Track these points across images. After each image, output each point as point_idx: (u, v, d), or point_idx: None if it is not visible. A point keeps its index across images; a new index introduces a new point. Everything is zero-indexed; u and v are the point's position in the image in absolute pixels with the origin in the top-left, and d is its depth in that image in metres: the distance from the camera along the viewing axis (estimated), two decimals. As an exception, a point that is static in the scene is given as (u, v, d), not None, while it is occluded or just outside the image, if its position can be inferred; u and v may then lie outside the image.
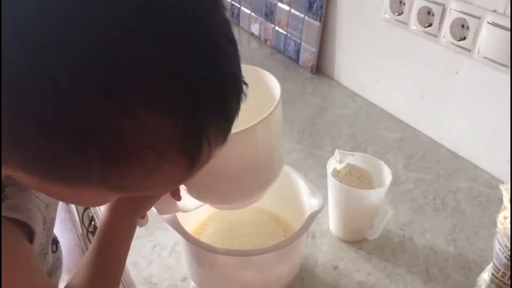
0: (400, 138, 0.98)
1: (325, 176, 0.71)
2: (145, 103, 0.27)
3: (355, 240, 0.74)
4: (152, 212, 0.59)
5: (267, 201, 0.72)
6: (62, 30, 0.26)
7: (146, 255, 0.71)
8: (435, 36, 0.88)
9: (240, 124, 0.55)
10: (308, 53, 1.20)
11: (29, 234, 0.43)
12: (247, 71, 0.57)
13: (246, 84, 0.34)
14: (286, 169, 0.67)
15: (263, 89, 0.57)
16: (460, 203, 0.81)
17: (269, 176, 0.57)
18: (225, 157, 0.50)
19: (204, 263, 0.61)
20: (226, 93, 0.31)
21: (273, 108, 0.50)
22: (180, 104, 0.29)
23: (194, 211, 0.68)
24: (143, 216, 0.58)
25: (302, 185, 0.64)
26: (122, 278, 0.85)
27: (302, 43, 1.21)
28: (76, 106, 0.26)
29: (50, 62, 0.25)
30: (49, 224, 0.49)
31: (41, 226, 0.45)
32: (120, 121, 0.27)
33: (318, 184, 0.79)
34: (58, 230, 0.51)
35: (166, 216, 0.59)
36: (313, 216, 0.58)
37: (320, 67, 1.21)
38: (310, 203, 0.60)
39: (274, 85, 0.55)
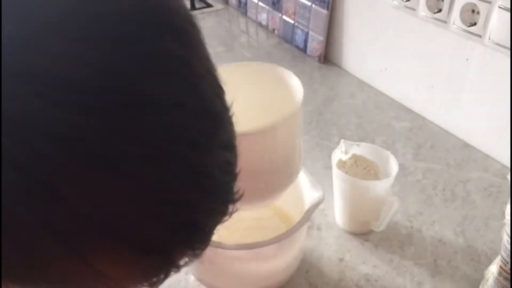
0: (409, 127, 0.96)
1: (331, 167, 0.70)
2: (105, 254, 0.24)
3: (361, 232, 0.72)
4: None
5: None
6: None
7: (150, 247, 0.71)
8: (445, 22, 0.86)
9: (260, 121, 0.54)
10: (315, 42, 1.18)
11: None
12: (270, 69, 0.57)
13: (237, 199, 0.30)
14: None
15: (285, 88, 0.56)
16: (470, 193, 0.79)
17: (287, 178, 0.57)
18: (242, 156, 0.50)
19: (203, 257, 0.60)
20: (206, 228, 0.28)
21: (295, 108, 0.50)
22: (147, 254, 0.25)
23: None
24: None
25: (302, 178, 0.63)
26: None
27: (310, 32, 1.19)
28: (24, 242, 0.23)
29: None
30: None
31: None
32: (74, 267, 0.24)
33: (325, 175, 0.78)
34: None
35: None
36: (312, 209, 0.57)
37: (328, 56, 1.19)
38: (311, 195, 0.59)
39: (297, 85, 0.54)
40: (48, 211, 0.22)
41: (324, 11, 1.12)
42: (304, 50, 1.23)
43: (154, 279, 0.28)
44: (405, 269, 0.67)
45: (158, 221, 0.25)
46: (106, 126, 0.22)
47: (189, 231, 0.26)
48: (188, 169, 0.25)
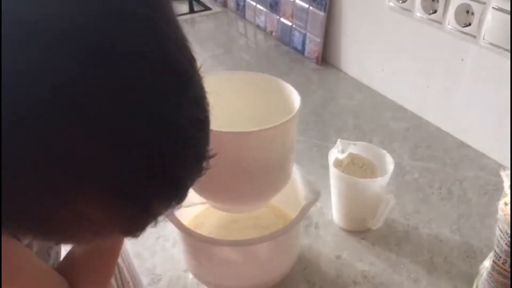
0: (406, 127, 0.97)
1: (329, 167, 0.71)
2: (88, 199, 0.26)
3: (359, 230, 0.73)
4: None
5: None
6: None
7: (149, 246, 0.71)
8: (440, 23, 0.87)
9: (259, 126, 0.56)
10: (313, 43, 1.19)
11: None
12: (267, 81, 0.58)
13: (210, 156, 0.32)
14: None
15: (282, 100, 0.58)
16: (466, 192, 0.80)
17: (281, 180, 0.58)
18: (240, 154, 0.52)
19: (200, 255, 0.61)
20: (183, 180, 0.30)
21: (293, 114, 0.52)
22: (128, 200, 0.27)
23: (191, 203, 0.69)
24: None
25: (298, 176, 0.63)
26: (125, 266, 0.86)
27: (307, 33, 1.20)
28: (8, 187, 0.25)
29: None
30: None
31: None
32: (59, 212, 0.26)
33: (323, 174, 0.79)
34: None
35: None
36: (308, 206, 0.58)
37: (326, 58, 1.20)
38: (307, 193, 0.60)
39: (294, 96, 0.57)
40: (33, 154, 0.24)
41: (321, 13, 1.13)
42: (302, 52, 1.24)
43: (135, 228, 0.30)
44: (402, 266, 0.68)
45: (133, 168, 0.26)
46: (73, 71, 0.24)
47: (165, 182, 0.28)
48: (157, 119, 0.27)
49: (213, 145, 0.52)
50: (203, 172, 0.32)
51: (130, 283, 0.98)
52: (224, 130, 0.50)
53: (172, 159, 0.28)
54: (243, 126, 0.62)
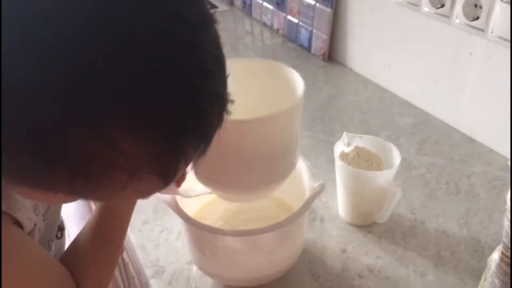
0: (413, 123, 0.96)
1: (334, 160, 0.70)
2: (121, 128, 0.27)
3: (364, 224, 0.72)
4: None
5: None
6: (38, 55, 0.25)
7: (153, 239, 0.71)
8: (448, 17, 0.86)
9: (263, 113, 0.55)
10: (320, 40, 1.19)
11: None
12: (272, 66, 0.58)
13: (231, 101, 0.33)
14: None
15: (286, 85, 0.57)
16: (474, 187, 0.79)
17: (284, 170, 0.58)
18: (243, 142, 0.51)
19: (204, 246, 0.60)
20: (208, 115, 0.31)
21: (297, 101, 0.52)
22: (160, 130, 0.28)
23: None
24: None
25: (303, 168, 0.63)
26: (130, 261, 0.86)
27: (314, 30, 1.20)
28: (45, 124, 0.26)
29: (24, 89, 0.25)
30: (43, 210, 0.49)
31: (31, 213, 0.45)
32: (92, 144, 0.26)
33: (329, 169, 0.78)
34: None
35: (167, 199, 0.59)
36: (313, 197, 0.57)
37: (332, 55, 1.19)
38: (312, 185, 0.59)
39: (298, 82, 0.56)
40: (64, 83, 0.25)
41: (328, 10, 1.13)
42: (308, 49, 1.24)
43: (165, 169, 0.30)
44: (408, 260, 0.67)
45: (162, 96, 0.27)
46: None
47: (190, 114, 0.29)
48: (186, 45, 0.28)
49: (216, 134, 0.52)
50: (224, 116, 0.33)
51: (136, 279, 0.98)
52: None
53: (196, 90, 0.29)
54: (246, 113, 0.61)
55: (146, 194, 0.33)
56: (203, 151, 0.33)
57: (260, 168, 0.55)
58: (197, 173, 0.58)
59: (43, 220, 0.49)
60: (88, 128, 0.26)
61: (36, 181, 0.29)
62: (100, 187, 0.29)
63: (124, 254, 1.01)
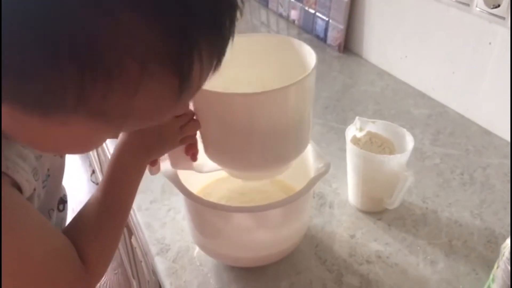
0: (429, 114, 0.94)
1: (346, 143, 0.69)
2: (128, 4, 0.26)
3: (374, 211, 0.71)
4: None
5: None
6: None
7: (160, 217, 0.71)
8: (467, 5, 0.84)
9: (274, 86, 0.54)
10: (336, 30, 1.17)
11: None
12: (283, 41, 0.57)
13: (242, 1, 0.32)
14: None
15: (298, 59, 0.56)
16: (489, 178, 0.77)
17: (295, 148, 0.57)
18: (252, 117, 0.50)
19: (206, 224, 0.60)
20: (219, 5, 0.30)
21: (307, 73, 0.50)
22: (169, 11, 0.27)
23: (197, 176, 0.67)
24: (155, 163, 0.57)
25: (309, 151, 0.62)
26: (136, 236, 0.86)
27: (330, 20, 1.18)
28: (44, 2, 0.25)
29: None
30: (43, 176, 0.48)
31: (30, 176, 0.43)
32: (97, 21, 0.25)
33: (339, 157, 0.77)
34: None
35: (169, 173, 0.58)
36: (318, 177, 0.56)
37: (348, 45, 1.18)
38: (317, 167, 0.58)
39: (310, 54, 0.54)
40: None
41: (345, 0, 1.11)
42: (324, 39, 1.22)
43: (179, 64, 0.29)
44: (418, 248, 0.65)
45: None
46: None
47: (209, 14, 0.29)
48: None
49: (225, 108, 0.51)
50: (235, 25, 0.32)
51: (142, 263, 0.98)
52: (235, 91, 0.48)
53: None
54: (258, 87, 0.60)
55: (160, 108, 0.31)
56: (218, 62, 0.32)
57: (270, 145, 0.54)
58: (207, 150, 0.57)
59: (43, 187, 0.48)
60: (97, 8, 0.25)
61: (44, 96, 0.27)
62: (110, 85, 0.27)
63: (133, 239, 1.01)
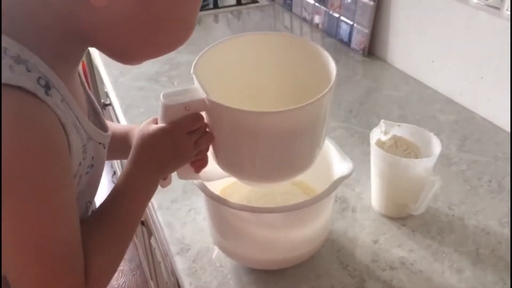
0: (455, 120, 0.92)
1: (370, 153, 0.68)
2: None
3: (398, 216, 0.69)
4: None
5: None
6: None
7: (181, 217, 0.70)
8: (498, 8, 0.82)
9: (289, 96, 0.53)
10: (360, 34, 1.16)
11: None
12: (305, 46, 0.56)
13: None
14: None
15: (318, 66, 0.54)
16: (519, 186, 0.75)
17: (304, 162, 0.55)
18: (263, 132, 0.49)
19: (228, 226, 0.59)
20: None
21: (327, 90, 0.48)
22: None
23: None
24: (166, 177, 0.57)
25: (332, 152, 0.61)
26: (156, 237, 0.85)
27: (355, 24, 1.17)
28: None
29: None
30: (88, 161, 0.48)
31: (79, 150, 0.44)
32: None
33: (363, 160, 0.76)
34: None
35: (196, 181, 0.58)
36: (340, 179, 0.55)
37: (372, 50, 1.16)
38: (340, 168, 0.57)
39: (330, 66, 0.52)
40: None
41: (371, 3, 1.10)
42: (348, 43, 1.21)
43: None
44: (444, 255, 0.63)
45: None
46: None
47: None
48: None
49: (236, 123, 0.49)
50: None
51: (161, 263, 0.98)
52: (244, 108, 0.47)
53: None
54: (273, 93, 0.59)
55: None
56: None
57: (277, 160, 0.53)
58: (217, 158, 0.56)
59: (86, 173, 0.48)
60: None
61: None
62: None
63: (152, 239, 1.02)
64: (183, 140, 0.50)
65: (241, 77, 0.59)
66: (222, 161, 0.56)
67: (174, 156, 0.51)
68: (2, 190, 0.36)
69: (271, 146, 0.51)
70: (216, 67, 0.55)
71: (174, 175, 0.57)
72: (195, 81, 0.50)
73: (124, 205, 0.49)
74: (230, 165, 0.56)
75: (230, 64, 0.57)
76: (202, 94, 0.49)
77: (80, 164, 0.45)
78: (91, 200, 0.53)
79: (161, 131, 0.50)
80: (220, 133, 0.52)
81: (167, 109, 0.49)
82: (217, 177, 0.60)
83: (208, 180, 0.59)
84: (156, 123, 0.52)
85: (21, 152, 0.37)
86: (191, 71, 0.51)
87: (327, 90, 0.48)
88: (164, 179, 0.57)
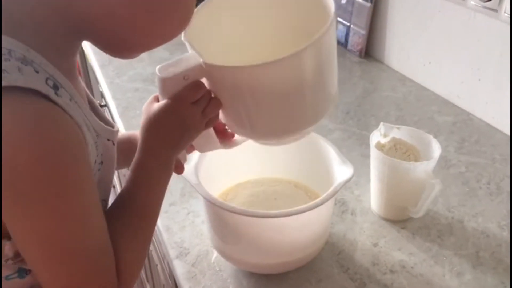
0: (453, 121, 0.92)
1: (369, 155, 0.67)
2: None
3: (398, 219, 0.69)
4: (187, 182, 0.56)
5: (299, 173, 0.69)
6: None
7: (179, 221, 0.70)
8: (495, 11, 0.82)
9: (289, 43, 0.50)
10: (357, 36, 1.16)
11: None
12: None
13: None
14: (315, 136, 0.64)
15: (316, 9, 0.51)
16: (517, 188, 0.75)
17: (319, 107, 0.51)
18: (270, 81, 0.46)
19: (225, 228, 0.58)
20: None
21: (322, 32, 0.44)
22: None
23: (220, 180, 0.66)
24: (177, 164, 0.55)
25: (332, 155, 0.60)
26: (154, 240, 0.85)
27: (351, 25, 1.17)
28: None
29: None
30: (99, 158, 0.47)
31: (93, 147, 0.44)
32: None
33: (361, 163, 0.76)
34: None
35: (192, 181, 0.57)
36: (341, 183, 0.54)
37: (369, 51, 1.16)
38: (341, 173, 0.57)
39: (328, 5, 0.48)
40: None
41: (368, 4, 1.10)
42: (344, 45, 1.21)
43: None
44: (444, 258, 0.63)
45: None
46: None
47: None
48: None
49: (234, 81, 0.47)
50: None
51: (158, 266, 0.97)
52: (243, 65, 0.44)
53: None
54: (271, 44, 0.55)
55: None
56: None
57: (293, 109, 0.49)
58: (228, 124, 0.54)
59: (98, 170, 0.47)
60: None
61: None
62: None
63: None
64: (189, 113, 0.48)
65: (236, 34, 0.55)
66: (232, 124, 0.53)
67: (183, 131, 0.49)
68: (29, 200, 0.36)
69: (278, 98, 0.48)
70: (207, 29, 0.52)
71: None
72: (189, 48, 0.48)
73: (142, 197, 0.48)
74: (241, 126, 0.53)
75: (222, 22, 0.54)
76: (198, 60, 0.46)
77: (95, 161, 0.44)
78: (106, 199, 0.52)
79: (164, 110, 0.48)
80: (224, 96, 0.49)
81: (165, 82, 0.47)
82: (236, 143, 0.58)
83: (229, 147, 0.57)
84: (158, 101, 0.50)
85: (46, 160, 0.36)
86: (182, 38, 0.48)
87: (324, 29, 0.44)
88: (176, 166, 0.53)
